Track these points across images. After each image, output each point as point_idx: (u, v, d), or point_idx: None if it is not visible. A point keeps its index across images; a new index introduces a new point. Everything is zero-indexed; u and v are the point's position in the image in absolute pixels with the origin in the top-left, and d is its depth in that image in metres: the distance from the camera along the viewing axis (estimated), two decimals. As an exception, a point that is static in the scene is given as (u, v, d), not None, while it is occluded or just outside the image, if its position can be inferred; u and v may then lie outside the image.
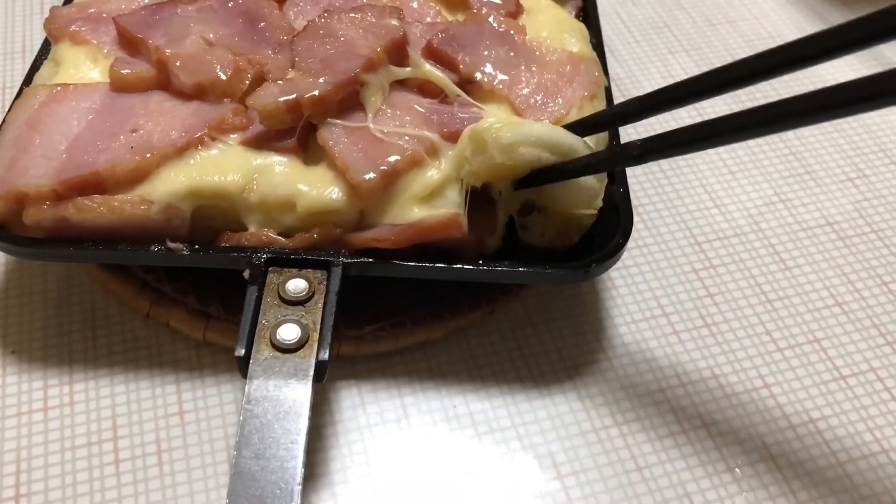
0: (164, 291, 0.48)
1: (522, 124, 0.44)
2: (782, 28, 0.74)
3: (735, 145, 0.63)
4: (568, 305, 0.52)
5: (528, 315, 0.51)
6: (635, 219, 0.57)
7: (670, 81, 0.68)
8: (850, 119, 0.65)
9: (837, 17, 0.75)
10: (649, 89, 0.67)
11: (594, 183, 0.46)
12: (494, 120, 0.45)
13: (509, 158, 0.43)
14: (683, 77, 0.68)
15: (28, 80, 0.51)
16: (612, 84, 0.67)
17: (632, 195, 0.53)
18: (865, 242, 0.57)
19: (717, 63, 0.69)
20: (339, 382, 0.47)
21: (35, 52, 0.65)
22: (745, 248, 0.56)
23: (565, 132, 0.44)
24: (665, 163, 0.61)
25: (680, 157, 0.62)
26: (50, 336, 0.48)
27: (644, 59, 0.71)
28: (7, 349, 0.48)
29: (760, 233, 0.57)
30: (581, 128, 0.46)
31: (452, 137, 0.45)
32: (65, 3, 0.56)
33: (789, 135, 0.64)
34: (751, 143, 0.63)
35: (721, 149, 0.63)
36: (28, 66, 0.64)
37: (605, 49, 0.58)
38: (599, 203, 0.49)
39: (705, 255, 0.56)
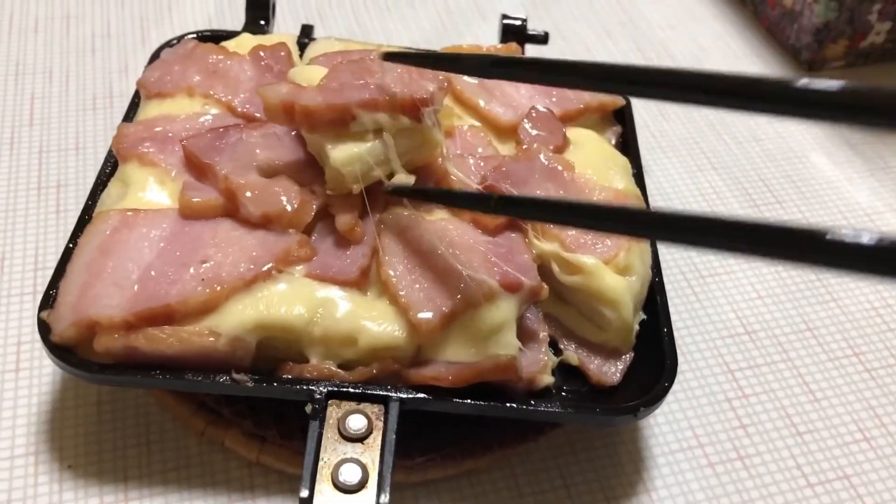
0: (220, 413, 0.49)
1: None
2: (806, 147, 0.77)
3: (764, 269, 0.65)
4: (608, 433, 0.54)
5: (569, 443, 0.53)
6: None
7: (699, 197, 0.71)
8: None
9: (860, 139, 0.78)
10: (678, 203, 0.70)
11: (615, 316, 0.49)
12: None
13: None
14: (712, 194, 0.71)
15: (93, 195, 0.53)
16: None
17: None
18: (891, 375, 0.59)
19: (745, 181, 0.73)
20: (387, 508, 0.49)
21: (87, 149, 0.68)
22: (776, 378, 0.58)
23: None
24: (697, 286, 0.64)
25: (710, 279, 0.64)
26: (105, 451, 0.50)
27: (673, 173, 0.73)
28: (64, 463, 0.49)
29: (790, 362, 0.59)
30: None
31: (509, 287, 0.47)
32: (125, 118, 0.58)
33: (816, 260, 0.66)
34: (779, 267, 0.66)
35: (750, 273, 0.65)
36: (80, 162, 0.67)
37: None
38: (632, 339, 0.51)
39: (738, 384, 0.58)
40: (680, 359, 0.58)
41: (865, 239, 0.28)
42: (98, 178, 0.54)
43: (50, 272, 0.48)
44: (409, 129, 0.50)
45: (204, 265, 0.46)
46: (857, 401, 0.57)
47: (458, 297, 0.46)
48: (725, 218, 0.33)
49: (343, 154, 0.48)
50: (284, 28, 0.82)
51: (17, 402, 0.51)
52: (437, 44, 0.81)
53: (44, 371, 0.53)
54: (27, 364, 0.53)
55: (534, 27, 0.78)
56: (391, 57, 0.50)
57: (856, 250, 0.28)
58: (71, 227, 0.51)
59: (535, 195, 0.52)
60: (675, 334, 0.59)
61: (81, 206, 0.53)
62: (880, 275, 0.28)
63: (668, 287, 0.63)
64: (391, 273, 0.47)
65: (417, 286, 0.46)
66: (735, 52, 0.87)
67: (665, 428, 0.54)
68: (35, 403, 0.51)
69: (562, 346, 0.52)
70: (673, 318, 0.61)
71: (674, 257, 0.66)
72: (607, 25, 0.88)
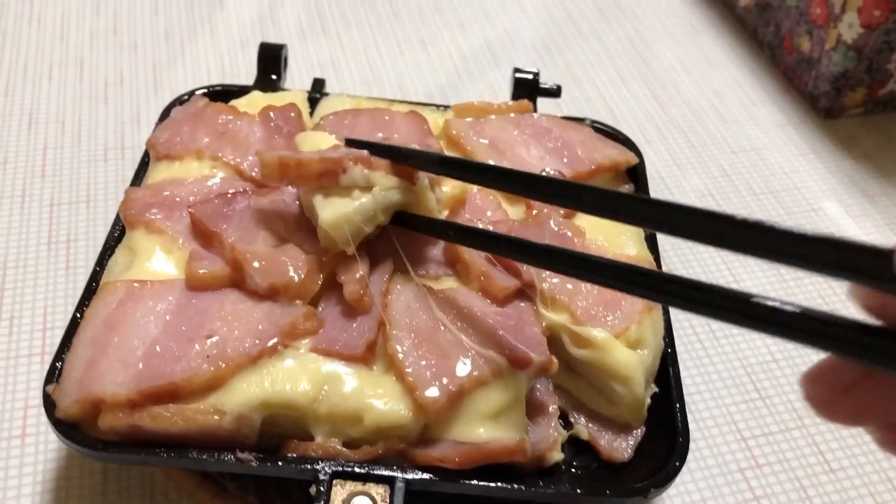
0: (225, 486, 0.49)
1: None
2: (822, 198, 0.76)
3: (779, 329, 0.64)
4: (617, 506, 0.53)
5: (578, 517, 0.52)
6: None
7: (713, 251, 0.70)
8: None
9: (878, 190, 0.77)
10: (691, 257, 0.69)
11: (626, 392, 0.48)
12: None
13: None
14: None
15: (100, 260, 0.53)
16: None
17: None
18: (909, 444, 0.58)
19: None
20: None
21: (97, 202, 0.68)
22: (791, 447, 0.57)
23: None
24: (710, 346, 0.63)
25: (724, 339, 0.63)
26: (110, 522, 0.49)
27: (688, 226, 0.72)
28: (68, 535, 0.49)
29: (804, 429, 0.58)
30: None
31: (519, 363, 0.46)
32: (135, 178, 0.58)
33: (832, 320, 0.65)
34: (795, 328, 0.64)
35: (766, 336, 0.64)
36: (90, 215, 0.67)
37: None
38: (644, 413, 0.50)
39: (751, 453, 0.56)
40: (692, 426, 0.57)
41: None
42: (106, 242, 0.54)
43: (58, 332, 0.48)
44: (403, 188, 0.49)
45: (209, 340, 0.46)
46: (874, 472, 0.56)
47: (466, 374, 0.45)
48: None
49: (332, 216, 0.47)
50: (298, 76, 0.82)
51: (22, 469, 0.51)
52: (451, 93, 0.81)
53: (49, 438, 0.52)
54: (33, 430, 0.53)
55: (547, 74, 0.78)
56: (350, 143, 0.52)
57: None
58: (80, 286, 0.52)
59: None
60: (687, 399, 0.58)
61: (91, 263, 0.53)
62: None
63: (679, 348, 0.62)
64: (398, 349, 0.46)
65: (424, 363, 0.46)
66: (751, 98, 0.86)
67: (677, 501, 0.54)
68: (41, 472, 0.51)
69: (572, 420, 0.51)
70: (685, 381, 0.60)
71: (687, 316, 0.65)
72: (621, 70, 0.88)
